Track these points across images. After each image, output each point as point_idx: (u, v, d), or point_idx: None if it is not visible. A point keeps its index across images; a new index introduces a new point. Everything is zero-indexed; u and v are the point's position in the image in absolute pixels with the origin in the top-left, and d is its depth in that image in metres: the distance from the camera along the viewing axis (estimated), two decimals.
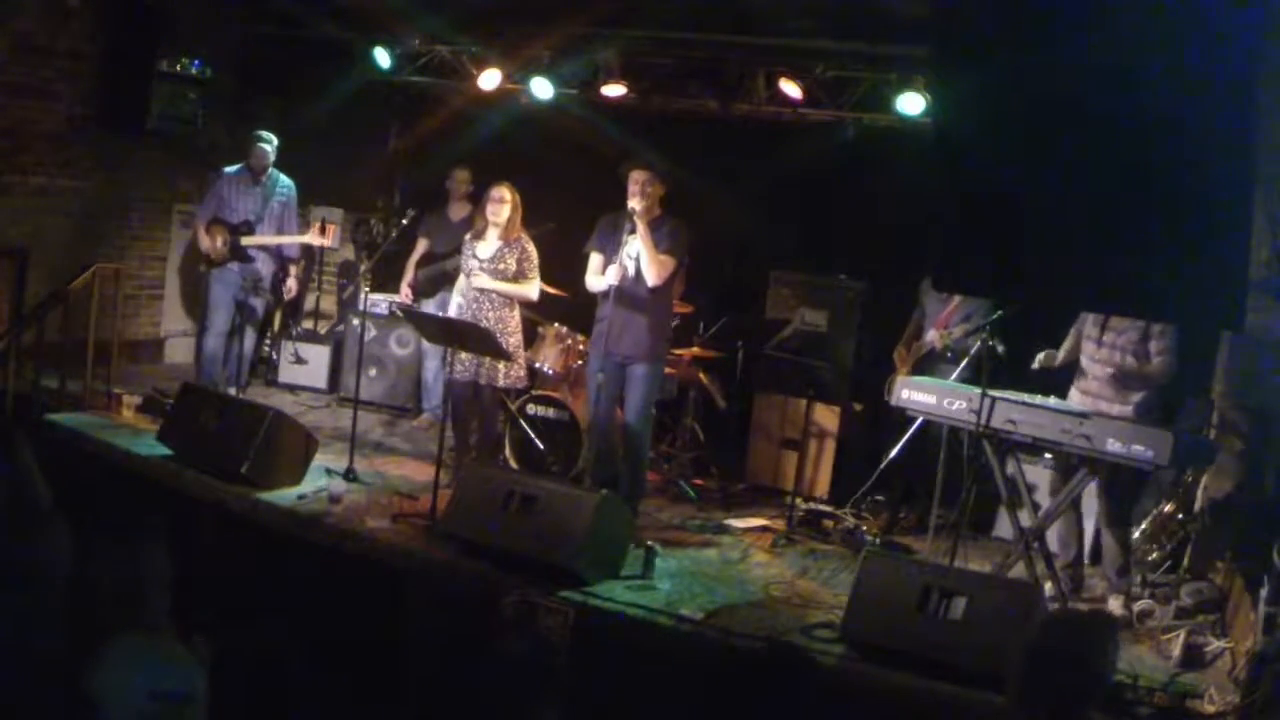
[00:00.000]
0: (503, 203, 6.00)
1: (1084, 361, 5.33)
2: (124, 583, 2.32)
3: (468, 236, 6.20)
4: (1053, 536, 5.44)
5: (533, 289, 6.11)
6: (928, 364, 6.18)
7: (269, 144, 7.09)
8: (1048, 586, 4.93)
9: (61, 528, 2.49)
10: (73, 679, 2.01)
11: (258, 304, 7.23)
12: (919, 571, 4.38)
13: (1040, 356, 5.44)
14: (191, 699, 2.15)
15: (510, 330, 6.05)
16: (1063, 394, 5.33)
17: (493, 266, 6.02)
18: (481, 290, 6.01)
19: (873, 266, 7.00)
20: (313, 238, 7.25)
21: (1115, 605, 5.01)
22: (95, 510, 2.55)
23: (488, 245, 6.07)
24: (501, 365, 5.94)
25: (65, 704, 2.02)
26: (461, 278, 6.17)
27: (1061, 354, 5.42)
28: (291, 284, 7.46)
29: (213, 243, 7.07)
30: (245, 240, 7.03)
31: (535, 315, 6.85)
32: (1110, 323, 5.19)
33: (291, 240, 7.20)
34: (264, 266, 7.17)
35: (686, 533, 5.91)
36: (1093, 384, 5.26)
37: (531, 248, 6.11)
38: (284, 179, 7.20)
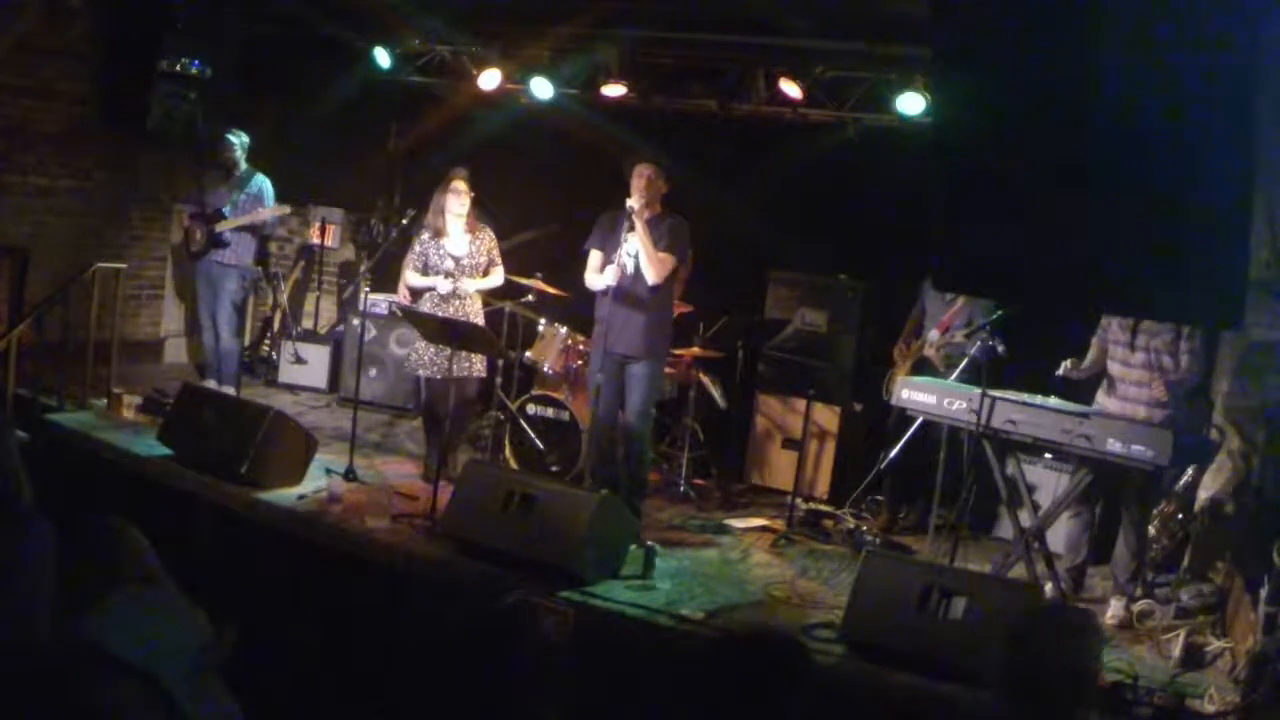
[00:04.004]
0: (466, 194, 6.02)
1: (1115, 368, 5.19)
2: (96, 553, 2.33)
3: (425, 236, 6.16)
4: (1060, 538, 5.43)
5: (499, 275, 6.24)
6: (924, 370, 6.16)
7: (236, 139, 7.13)
8: (1047, 587, 4.93)
9: (43, 527, 2.48)
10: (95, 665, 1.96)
11: (250, 303, 7.30)
12: (919, 571, 4.39)
13: (1066, 364, 5.26)
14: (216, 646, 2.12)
15: (481, 321, 6.18)
16: (1063, 395, 5.30)
17: (471, 262, 6.06)
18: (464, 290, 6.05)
19: (873, 266, 7.00)
20: (275, 210, 7.19)
21: (1117, 607, 5.01)
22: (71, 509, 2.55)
23: (457, 243, 6.08)
24: (475, 357, 6.02)
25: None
26: (418, 279, 6.13)
27: (1086, 364, 5.29)
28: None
29: (193, 235, 7.15)
30: (218, 226, 7.06)
31: (535, 315, 6.86)
32: (1142, 325, 5.07)
33: (257, 218, 7.14)
34: (243, 257, 7.20)
35: (686, 533, 5.91)
36: (1131, 389, 5.14)
37: (491, 233, 6.18)
38: (258, 176, 7.22)
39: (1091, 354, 5.33)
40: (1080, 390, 5.38)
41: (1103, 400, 5.24)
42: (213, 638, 2.05)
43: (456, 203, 6.02)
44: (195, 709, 1.94)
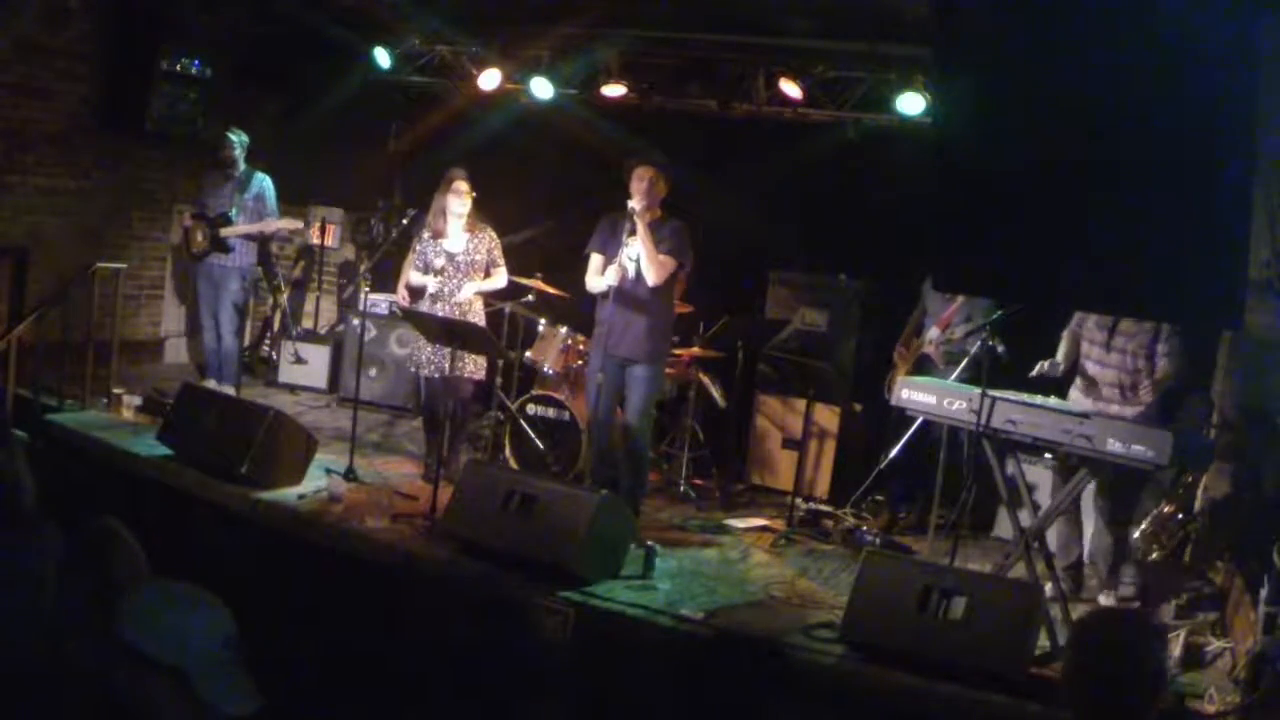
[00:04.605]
0: (467, 194, 6.02)
1: (1090, 367, 5.23)
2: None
3: (426, 235, 6.16)
4: (1052, 538, 5.43)
5: (503, 277, 6.21)
6: (925, 368, 6.17)
7: (236, 139, 7.11)
8: (1048, 587, 4.93)
9: (48, 530, 2.49)
10: (118, 646, 1.98)
11: (249, 303, 7.30)
12: (919, 571, 4.38)
13: (1044, 365, 5.27)
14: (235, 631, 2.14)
15: (481, 321, 6.16)
16: (1062, 395, 5.31)
17: (468, 260, 6.06)
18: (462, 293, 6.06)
19: (873, 266, 7.00)
20: (287, 223, 7.24)
21: (1106, 600, 5.02)
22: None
23: (454, 241, 6.08)
24: (471, 357, 6.00)
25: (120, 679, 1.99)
26: (418, 277, 6.13)
27: (1061, 361, 5.31)
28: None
29: (193, 237, 7.12)
30: (224, 231, 7.05)
31: (535, 315, 6.86)
32: (1120, 326, 5.11)
33: (267, 228, 7.17)
34: (244, 259, 7.19)
35: (686, 533, 5.91)
36: (1104, 389, 5.17)
37: (494, 233, 6.17)
38: (259, 175, 7.20)
39: (1064, 347, 5.34)
40: (1055, 381, 5.35)
41: (1077, 398, 5.26)
42: (235, 630, 2.07)
43: (458, 203, 6.02)
44: (221, 701, 1.97)
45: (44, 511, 2.64)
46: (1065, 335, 5.38)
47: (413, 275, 6.19)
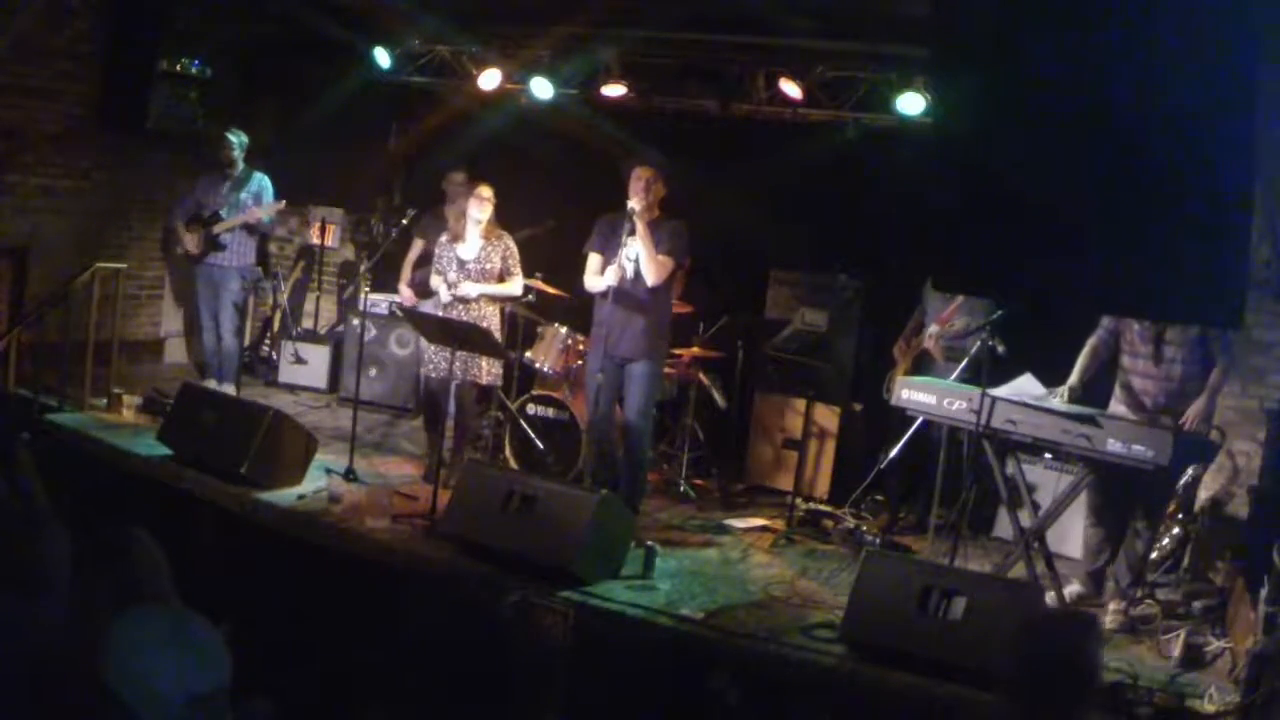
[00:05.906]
0: (489, 202, 6.03)
1: (1136, 381, 5.08)
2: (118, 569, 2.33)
3: (443, 239, 6.18)
4: (1061, 539, 5.39)
5: (517, 285, 6.19)
6: (925, 365, 6.17)
7: (235, 139, 7.10)
8: (1066, 590, 4.92)
9: (60, 534, 2.48)
10: (95, 677, 1.92)
11: (250, 303, 7.28)
12: (919, 571, 4.38)
13: (1063, 393, 5.08)
14: (224, 688, 2.02)
15: (493, 327, 6.11)
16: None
17: (479, 267, 6.06)
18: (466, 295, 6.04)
19: (873, 266, 7.00)
20: (270, 208, 7.16)
21: (1117, 608, 5.00)
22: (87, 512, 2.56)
23: (469, 246, 6.08)
24: (484, 362, 5.99)
25: (90, 706, 1.94)
26: (437, 281, 6.14)
27: (1079, 384, 5.14)
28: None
29: (191, 240, 7.11)
30: (216, 228, 7.04)
31: (535, 315, 6.86)
32: (1166, 335, 4.97)
33: (250, 217, 7.09)
34: (244, 258, 7.18)
35: (686, 533, 5.91)
36: (1150, 400, 5.03)
37: (512, 243, 6.17)
38: (257, 174, 7.19)
39: (1083, 363, 5.20)
40: (1053, 377, 5.27)
41: (1123, 412, 5.08)
42: (222, 685, 1.97)
43: (477, 209, 6.02)
44: None
45: (48, 513, 2.65)
46: (1086, 351, 5.21)
47: (433, 279, 6.20)
